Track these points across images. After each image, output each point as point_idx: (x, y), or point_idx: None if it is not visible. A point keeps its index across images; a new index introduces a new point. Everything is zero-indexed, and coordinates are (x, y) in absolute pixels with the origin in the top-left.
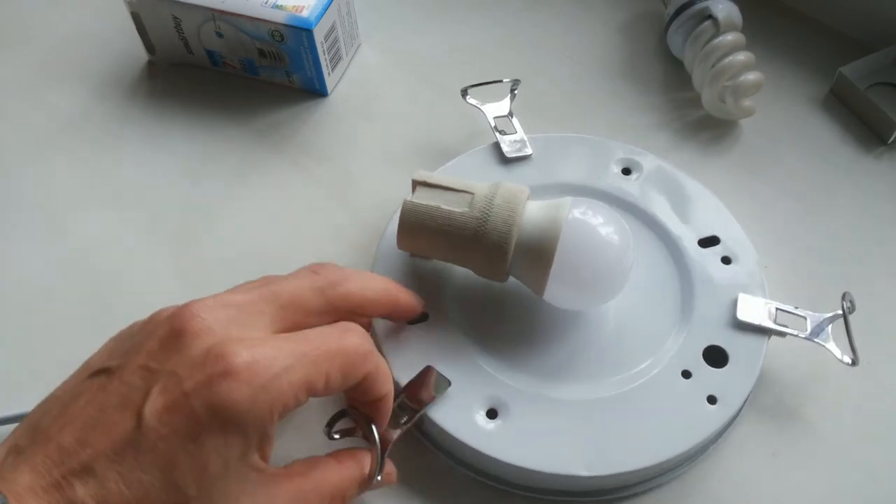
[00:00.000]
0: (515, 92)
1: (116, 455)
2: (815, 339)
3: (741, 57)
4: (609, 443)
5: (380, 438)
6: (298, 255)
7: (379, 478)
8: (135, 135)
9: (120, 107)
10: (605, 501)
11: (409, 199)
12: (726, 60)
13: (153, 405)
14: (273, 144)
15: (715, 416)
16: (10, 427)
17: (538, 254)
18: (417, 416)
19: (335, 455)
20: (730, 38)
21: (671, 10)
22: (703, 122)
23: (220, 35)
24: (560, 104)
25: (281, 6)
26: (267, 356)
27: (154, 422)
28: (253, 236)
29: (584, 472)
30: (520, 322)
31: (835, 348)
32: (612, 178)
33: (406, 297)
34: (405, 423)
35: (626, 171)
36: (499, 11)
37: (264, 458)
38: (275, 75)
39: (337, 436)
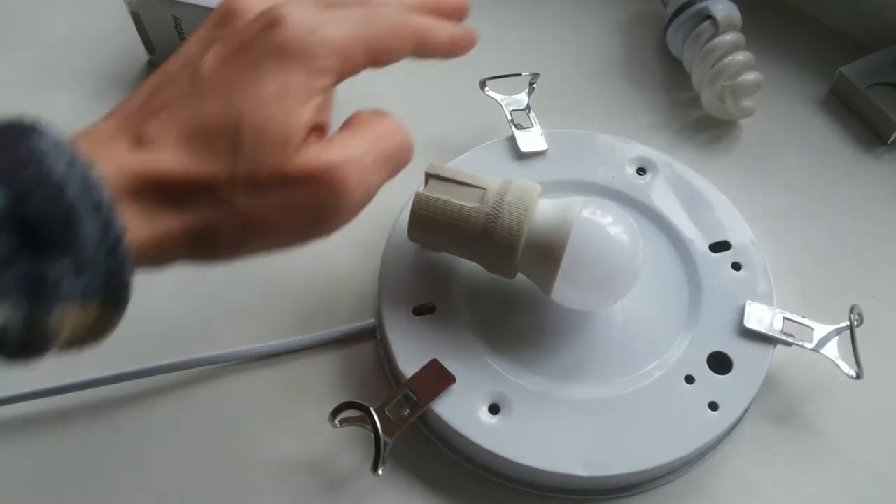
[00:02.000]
0: (534, 86)
1: (179, 100)
2: (821, 351)
3: (740, 57)
4: (609, 444)
5: (382, 431)
6: None
7: (380, 472)
8: None
9: None
10: (603, 500)
11: (420, 190)
12: (725, 60)
13: (211, 56)
14: None
15: (715, 423)
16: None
17: (547, 253)
18: (421, 410)
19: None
20: (729, 38)
21: (670, 10)
22: (702, 122)
23: None
24: (559, 104)
25: None
26: (321, 16)
27: (211, 68)
28: None
29: (582, 472)
30: (527, 320)
31: (840, 361)
32: (626, 178)
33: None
34: (408, 417)
35: (641, 171)
36: (499, 11)
37: (323, 123)
38: None
39: (339, 424)
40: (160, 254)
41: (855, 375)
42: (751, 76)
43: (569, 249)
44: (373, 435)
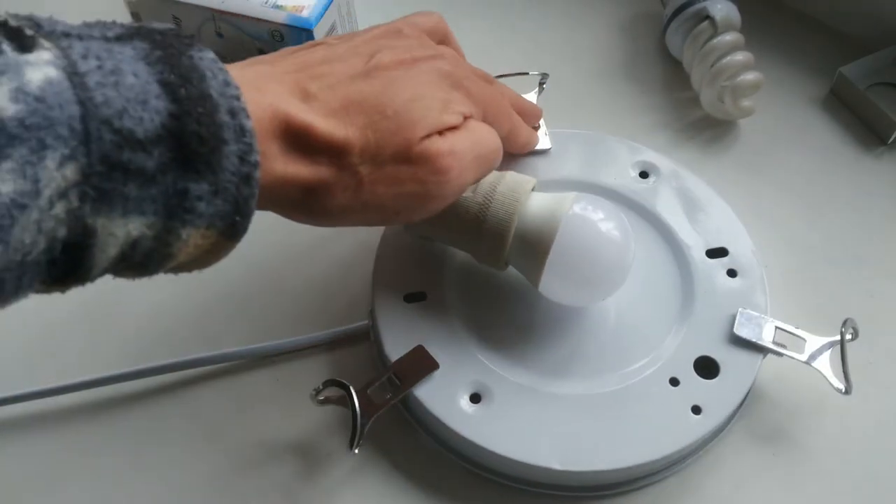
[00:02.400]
0: (544, 86)
1: (346, 75)
2: (812, 364)
3: (739, 57)
4: (586, 441)
5: (361, 411)
6: (297, 237)
7: (356, 450)
8: None
9: None
10: (580, 499)
11: None
12: (725, 60)
13: (386, 55)
14: None
15: (697, 427)
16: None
17: (535, 245)
18: (402, 394)
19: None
20: (728, 38)
21: (669, 10)
22: (702, 123)
23: (220, 35)
24: (559, 104)
25: (281, 6)
26: (468, 70)
27: (383, 62)
28: (254, 225)
29: (556, 466)
30: (515, 312)
31: (830, 374)
32: (627, 180)
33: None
34: (389, 399)
35: (644, 175)
36: (499, 11)
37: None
38: None
39: (321, 401)
40: (279, 196)
41: (843, 390)
42: (750, 76)
43: (557, 244)
44: (351, 413)
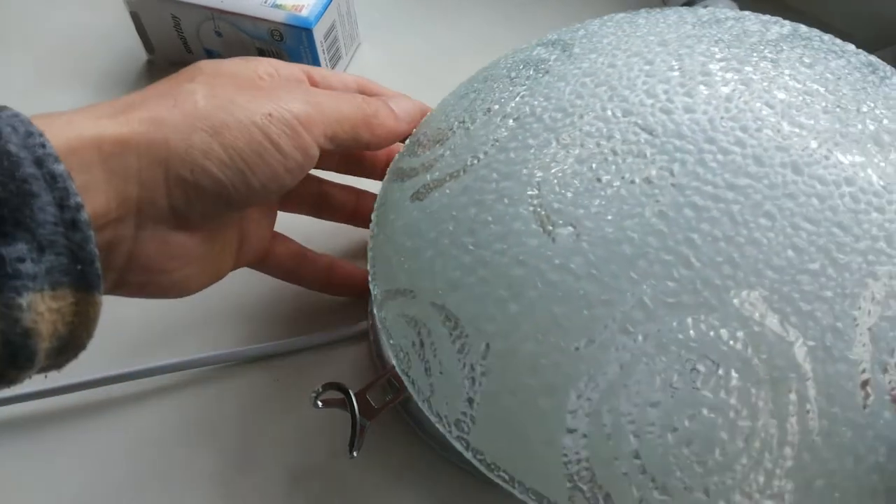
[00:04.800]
0: None
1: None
2: None
3: None
4: None
5: (360, 414)
6: (296, 237)
7: (355, 454)
8: None
9: None
10: None
11: None
12: None
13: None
14: None
15: None
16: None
17: None
18: (401, 396)
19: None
20: None
21: None
22: None
23: (219, 34)
24: None
25: (280, 5)
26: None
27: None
28: None
29: None
30: None
31: None
32: None
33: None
34: (389, 402)
35: None
36: (498, 11)
37: None
38: None
39: (321, 404)
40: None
41: None
42: None
43: None
44: (350, 417)
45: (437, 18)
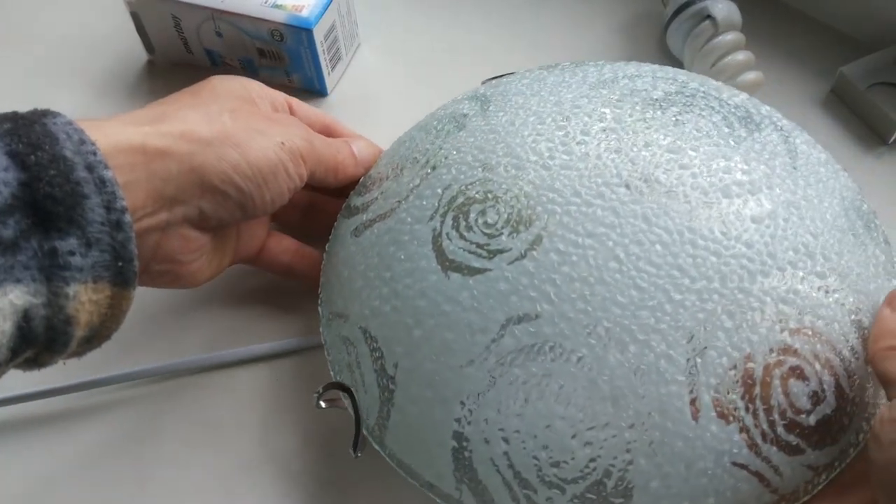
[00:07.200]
0: None
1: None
2: None
3: (740, 56)
4: None
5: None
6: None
7: (359, 454)
8: None
9: (120, 106)
10: None
11: None
12: (725, 60)
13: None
14: None
15: None
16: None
17: None
18: None
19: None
20: (729, 37)
21: (670, 10)
22: None
23: (219, 34)
24: None
25: (280, 6)
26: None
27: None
28: None
29: None
30: None
31: None
32: None
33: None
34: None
35: None
36: (499, 11)
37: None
38: (274, 75)
39: (323, 404)
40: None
41: None
42: (751, 76)
43: None
44: (354, 417)
45: (437, 18)
